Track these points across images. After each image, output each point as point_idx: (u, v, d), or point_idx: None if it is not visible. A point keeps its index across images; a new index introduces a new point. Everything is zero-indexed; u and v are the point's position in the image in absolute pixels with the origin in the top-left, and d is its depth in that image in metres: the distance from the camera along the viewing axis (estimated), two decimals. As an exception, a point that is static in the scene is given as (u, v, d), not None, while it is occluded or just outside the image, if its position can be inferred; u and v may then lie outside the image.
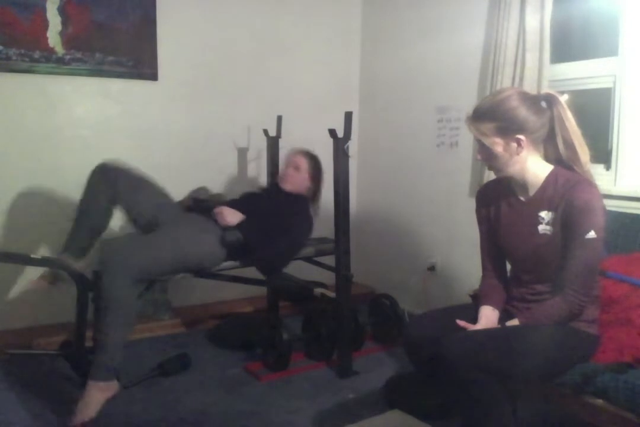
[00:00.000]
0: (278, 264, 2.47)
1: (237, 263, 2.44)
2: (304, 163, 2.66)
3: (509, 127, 1.62)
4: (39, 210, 2.75)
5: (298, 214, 2.58)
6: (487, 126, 1.64)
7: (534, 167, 1.68)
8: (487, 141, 1.65)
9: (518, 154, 1.65)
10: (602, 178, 2.32)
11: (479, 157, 1.72)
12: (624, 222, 2.04)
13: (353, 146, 2.74)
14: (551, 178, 1.67)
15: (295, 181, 2.66)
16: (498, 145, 1.65)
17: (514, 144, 1.64)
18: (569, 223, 1.61)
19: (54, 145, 2.77)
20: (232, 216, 2.39)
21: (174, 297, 3.04)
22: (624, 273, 1.82)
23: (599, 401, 1.53)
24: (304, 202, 2.66)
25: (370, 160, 3.55)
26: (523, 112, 1.61)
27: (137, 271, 2.04)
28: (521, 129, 1.63)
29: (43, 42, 2.66)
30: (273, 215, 2.49)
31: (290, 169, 2.68)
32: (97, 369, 2.00)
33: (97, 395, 1.98)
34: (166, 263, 2.18)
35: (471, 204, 1.95)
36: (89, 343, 2.20)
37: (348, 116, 2.34)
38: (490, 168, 1.76)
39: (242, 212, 2.44)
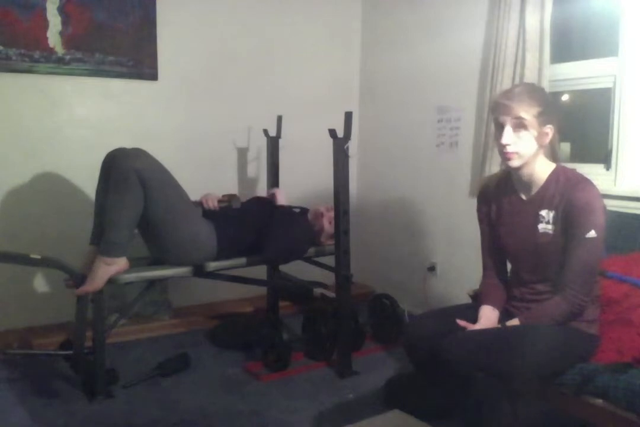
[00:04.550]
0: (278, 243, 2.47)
1: (236, 262, 2.45)
2: (332, 211, 2.65)
3: (547, 114, 1.62)
4: (39, 210, 2.75)
5: (298, 216, 2.63)
6: (532, 108, 1.61)
7: (540, 165, 1.68)
8: (527, 123, 1.60)
9: (542, 145, 1.65)
10: (602, 178, 2.33)
11: (505, 141, 1.62)
12: (624, 222, 2.04)
13: (353, 146, 2.74)
14: (553, 177, 1.68)
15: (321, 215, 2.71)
16: (534, 130, 1.62)
17: (544, 133, 1.64)
18: (570, 222, 1.61)
19: (54, 145, 2.77)
20: (213, 199, 2.56)
21: (174, 297, 3.04)
22: (624, 273, 1.82)
23: (599, 401, 1.53)
24: (305, 217, 2.72)
25: (370, 161, 3.55)
26: (557, 101, 1.62)
27: (142, 164, 2.16)
28: (553, 120, 1.64)
29: (43, 42, 2.66)
30: (266, 213, 2.58)
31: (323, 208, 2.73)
32: (105, 245, 2.15)
33: (104, 269, 2.13)
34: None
35: (471, 204, 1.95)
36: (88, 343, 2.21)
37: (348, 116, 2.34)
38: (509, 158, 1.64)
39: (241, 208, 2.60)
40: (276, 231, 2.45)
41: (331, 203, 2.46)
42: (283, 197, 2.73)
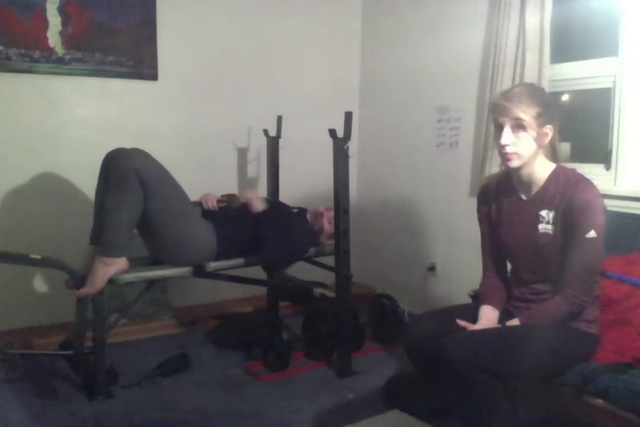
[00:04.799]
0: (276, 249, 2.47)
1: (236, 262, 2.45)
2: (331, 211, 2.65)
3: (547, 114, 1.61)
4: (39, 210, 2.75)
5: (296, 217, 2.64)
6: (532, 109, 1.60)
7: (540, 165, 1.68)
8: (526, 124, 1.60)
9: (542, 145, 1.64)
10: (602, 178, 2.32)
11: (504, 142, 1.62)
12: (624, 222, 2.04)
13: (353, 146, 2.74)
14: (553, 177, 1.68)
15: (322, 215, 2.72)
16: (533, 131, 1.62)
17: (544, 133, 1.63)
18: (570, 222, 1.61)
19: (54, 145, 2.77)
20: (212, 199, 2.57)
21: (174, 297, 3.04)
22: (624, 273, 1.82)
23: (599, 401, 1.53)
24: (304, 217, 2.73)
25: (370, 161, 3.55)
26: (558, 101, 1.62)
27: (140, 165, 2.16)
28: (552, 120, 1.63)
29: (43, 42, 2.66)
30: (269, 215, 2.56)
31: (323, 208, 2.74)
32: (104, 245, 2.16)
33: (103, 269, 2.14)
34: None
35: (471, 204, 1.95)
36: (88, 343, 2.21)
37: (348, 116, 2.34)
38: (508, 159, 1.65)
39: (240, 208, 2.60)
40: (275, 232, 2.45)
41: (331, 203, 2.46)
42: (259, 204, 2.56)
